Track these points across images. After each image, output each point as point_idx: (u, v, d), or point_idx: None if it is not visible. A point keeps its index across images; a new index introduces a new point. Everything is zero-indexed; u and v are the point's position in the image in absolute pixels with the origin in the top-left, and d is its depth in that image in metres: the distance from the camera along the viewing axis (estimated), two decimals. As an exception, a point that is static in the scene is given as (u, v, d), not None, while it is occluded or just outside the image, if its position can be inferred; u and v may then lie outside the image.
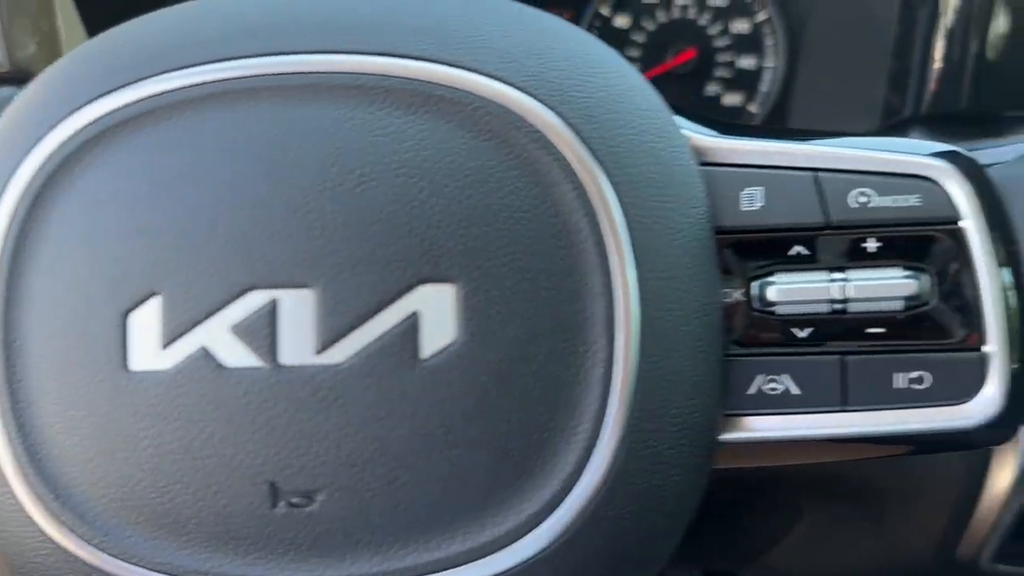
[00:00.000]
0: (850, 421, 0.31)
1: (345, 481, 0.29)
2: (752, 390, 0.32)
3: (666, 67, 0.77)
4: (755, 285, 0.32)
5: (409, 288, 0.28)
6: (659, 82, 0.78)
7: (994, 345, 0.30)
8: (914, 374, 0.31)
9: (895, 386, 0.31)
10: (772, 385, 0.32)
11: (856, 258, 0.31)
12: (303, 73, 0.29)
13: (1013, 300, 0.31)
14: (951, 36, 0.61)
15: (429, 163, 0.29)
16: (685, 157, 0.32)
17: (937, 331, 0.31)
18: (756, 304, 0.32)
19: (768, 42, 0.76)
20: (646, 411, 0.29)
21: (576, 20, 0.77)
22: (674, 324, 0.30)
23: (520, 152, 0.29)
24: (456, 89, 0.29)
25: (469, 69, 0.29)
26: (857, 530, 0.70)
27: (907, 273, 0.31)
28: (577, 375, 0.29)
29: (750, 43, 0.76)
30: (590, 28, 0.77)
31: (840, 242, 0.31)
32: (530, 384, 0.29)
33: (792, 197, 0.32)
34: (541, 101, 0.29)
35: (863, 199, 0.31)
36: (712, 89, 0.78)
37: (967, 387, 0.31)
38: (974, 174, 0.31)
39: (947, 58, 0.62)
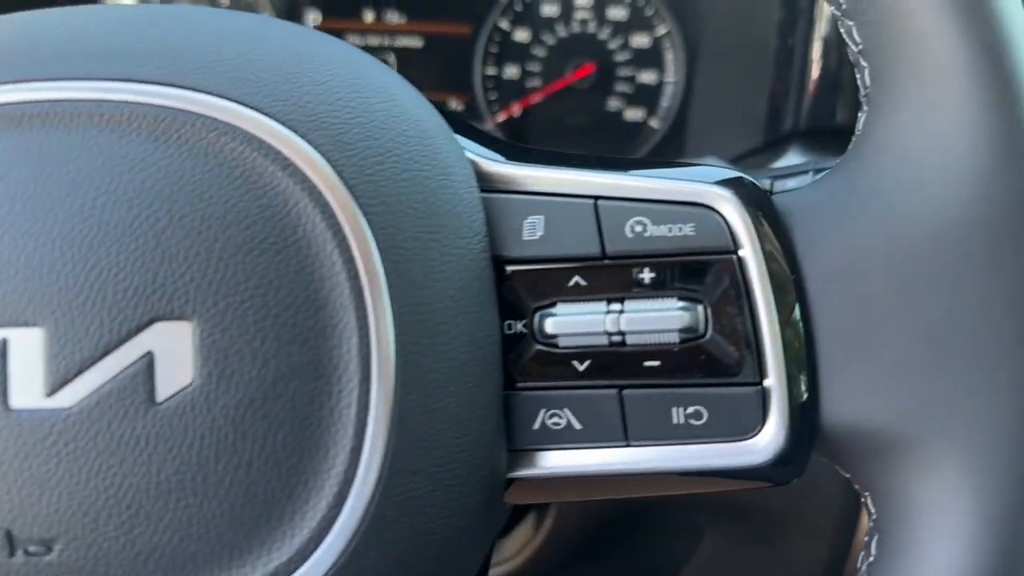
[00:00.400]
0: (632, 457, 0.30)
1: (81, 530, 0.27)
2: (536, 425, 0.31)
3: (566, 82, 0.76)
4: (537, 317, 0.31)
5: (142, 326, 0.27)
6: (560, 97, 0.77)
7: (774, 379, 0.29)
8: (691, 409, 0.30)
9: (674, 421, 0.30)
10: (555, 420, 0.31)
11: (632, 289, 0.30)
12: (36, 102, 0.28)
13: (794, 332, 0.29)
14: (827, 47, 0.60)
15: (167, 192, 0.27)
16: (461, 184, 0.30)
17: (713, 364, 0.30)
18: (539, 336, 0.31)
19: (668, 56, 0.75)
20: (407, 452, 0.28)
21: (475, 34, 0.76)
22: (438, 359, 0.28)
23: (267, 181, 0.28)
24: (198, 115, 0.28)
25: (212, 93, 0.28)
26: (754, 552, 0.69)
27: (682, 304, 0.30)
28: (329, 417, 0.27)
29: (650, 57, 0.75)
30: (489, 42, 0.76)
31: (616, 273, 0.30)
32: (275, 427, 0.27)
33: (571, 226, 0.31)
34: (289, 127, 0.28)
35: (639, 228, 0.30)
36: (614, 104, 0.77)
37: (747, 423, 0.30)
38: (754, 201, 0.30)
39: (823, 70, 0.61)
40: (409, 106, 0.30)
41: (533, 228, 0.31)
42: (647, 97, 0.76)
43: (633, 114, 0.77)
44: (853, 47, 0.31)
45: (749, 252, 0.29)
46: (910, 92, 0.29)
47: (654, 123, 0.76)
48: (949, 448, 0.28)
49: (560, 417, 0.31)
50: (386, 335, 0.27)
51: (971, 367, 0.27)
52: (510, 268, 0.31)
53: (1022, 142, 0.27)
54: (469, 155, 0.32)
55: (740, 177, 0.31)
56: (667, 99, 0.76)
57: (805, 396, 0.29)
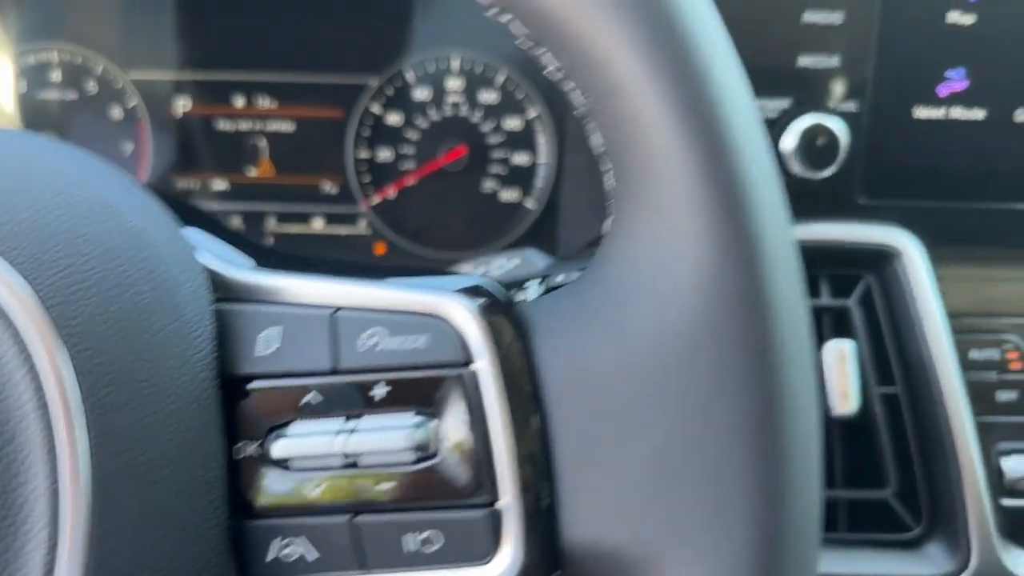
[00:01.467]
0: None
1: None
2: (270, 556, 0.29)
3: (438, 164, 0.76)
4: (271, 438, 0.29)
5: None
6: (434, 179, 0.76)
7: (508, 500, 0.28)
8: (424, 534, 0.28)
9: (406, 548, 0.28)
10: (288, 551, 0.29)
11: (366, 406, 0.29)
12: None
13: (532, 449, 0.28)
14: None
15: None
16: (187, 296, 0.29)
17: (446, 486, 0.28)
18: (272, 460, 0.29)
19: (540, 139, 0.75)
20: None
21: (346, 118, 0.75)
22: (148, 490, 0.26)
23: None
24: None
25: None
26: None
27: (415, 422, 0.28)
28: (14, 562, 0.25)
29: (523, 139, 0.75)
30: (361, 126, 0.75)
31: (349, 389, 0.29)
32: None
33: (307, 339, 0.29)
34: None
35: (372, 341, 0.29)
36: (489, 186, 0.76)
37: (482, 547, 0.28)
38: (492, 311, 0.29)
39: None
40: (129, 215, 0.29)
41: (267, 341, 0.29)
42: (521, 178, 0.76)
43: (508, 195, 0.76)
44: (598, 147, 0.30)
45: (484, 365, 0.28)
46: (644, 197, 0.28)
47: (529, 204, 0.76)
48: (683, 574, 0.26)
49: (294, 547, 0.29)
50: (80, 469, 0.25)
51: (697, 490, 0.26)
52: (249, 385, 0.29)
53: (746, 248, 0.26)
54: (205, 263, 0.30)
55: (478, 286, 0.29)
56: (541, 180, 0.75)
57: (543, 517, 0.28)
